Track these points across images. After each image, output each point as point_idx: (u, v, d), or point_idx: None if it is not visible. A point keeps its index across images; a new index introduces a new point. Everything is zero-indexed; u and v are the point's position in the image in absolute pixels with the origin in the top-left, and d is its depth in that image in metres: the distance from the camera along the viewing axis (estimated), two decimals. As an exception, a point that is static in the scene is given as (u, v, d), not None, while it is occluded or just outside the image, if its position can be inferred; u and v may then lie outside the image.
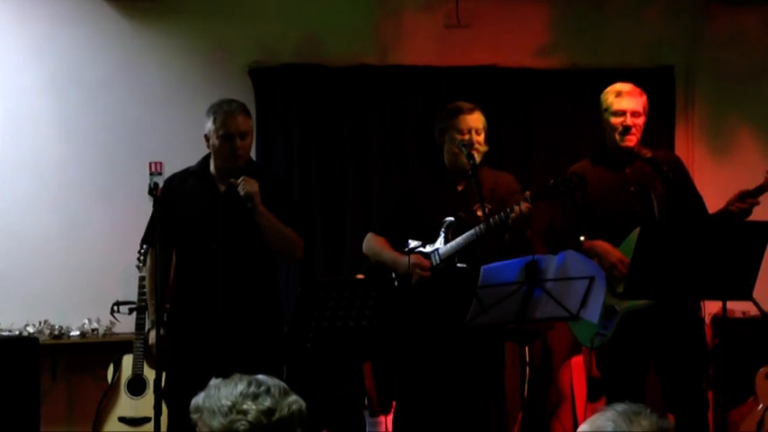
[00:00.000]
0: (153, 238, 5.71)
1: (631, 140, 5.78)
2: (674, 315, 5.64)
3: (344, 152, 7.68)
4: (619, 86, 5.89)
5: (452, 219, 5.69)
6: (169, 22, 7.54)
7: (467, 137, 5.68)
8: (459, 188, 5.81)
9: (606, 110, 5.84)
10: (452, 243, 5.63)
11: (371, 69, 7.75)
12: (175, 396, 5.46)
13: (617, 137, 5.79)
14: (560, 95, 7.98)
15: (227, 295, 5.47)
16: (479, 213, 5.53)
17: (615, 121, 5.79)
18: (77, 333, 7.19)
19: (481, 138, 5.73)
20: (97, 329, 7.20)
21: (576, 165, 6.05)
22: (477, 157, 5.67)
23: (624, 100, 5.80)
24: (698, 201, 5.88)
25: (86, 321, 7.21)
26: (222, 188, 5.60)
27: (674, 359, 5.70)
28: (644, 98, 5.87)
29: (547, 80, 7.95)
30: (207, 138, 5.63)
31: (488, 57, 7.93)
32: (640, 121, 5.81)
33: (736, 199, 5.62)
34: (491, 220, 5.42)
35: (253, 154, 7.34)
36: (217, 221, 5.52)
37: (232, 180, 5.49)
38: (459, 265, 5.60)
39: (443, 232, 5.68)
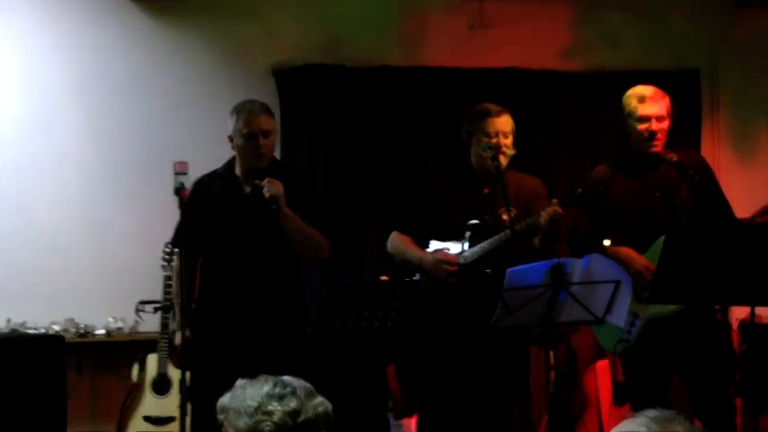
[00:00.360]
0: (180, 240, 5.72)
1: (657, 146, 5.74)
2: (698, 321, 5.61)
3: (367, 152, 7.69)
4: (641, 90, 5.82)
5: (477, 221, 5.68)
6: (194, 22, 7.56)
7: (494, 140, 5.67)
8: (486, 191, 5.80)
9: (630, 115, 5.78)
10: (478, 247, 5.62)
11: (394, 70, 7.76)
12: (201, 396, 5.47)
13: (643, 144, 5.75)
14: (583, 98, 7.97)
15: (252, 297, 5.47)
16: (504, 217, 5.52)
17: (640, 127, 5.74)
18: (103, 331, 7.21)
19: (509, 141, 5.71)
20: (122, 328, 7.23)
21: (596, 170, 6.00)
22: (504, 161, 5.66)
23: (648, 105, 5.74)
24: (723, 203, 5.84)
25: (111, 320, 7.23)
26: (248, 190, 5.61)
27: (698, 365, 5.67)
28: (667, 100, 5.80)
29: (570, 82, 7.94)
30: (231, 139, 5.66)
31: (512, 58, 7.92)
32: (665, 125, 5.76)
33: (760, 212, 5.59)
34: (517, 225, 5.41)
35: (276, 154, 7.39)
36: (243, 223, 5.53)
37: (257, 182, 5.50)
38: (485, 270, 5.59)
39: (468, 235, 5.67)
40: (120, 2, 7.42)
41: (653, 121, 5.71)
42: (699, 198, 5.63)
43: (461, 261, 5.66)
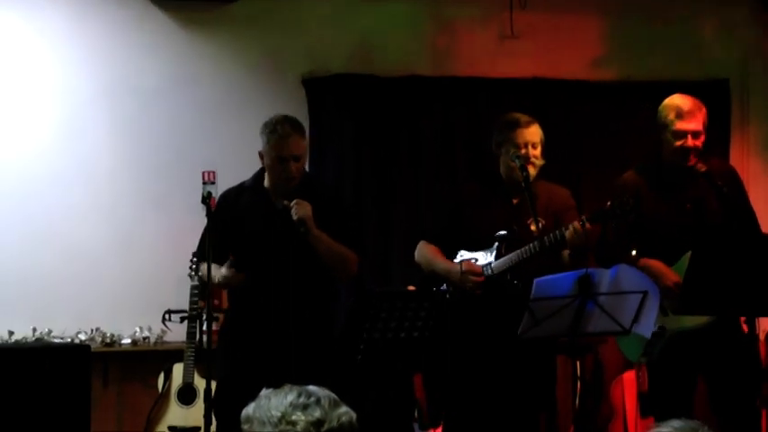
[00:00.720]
0: (204, 252, 5.68)
1: (692, 161, 5.69)
2: (725, 333, 5.56)
3: (396, 162, 7.69)
4: (679, 102, 5.73)
5: (506, 232, 5.65)
6: (222, 31, 7.57)
7: (523, 150, 5.64)
8: (515, 201, 5.78)
9: (665, 127, 5.71)
10: (505, 258, 5.60)
11: (423, 80, 7.76)
12: (225, 406, 5.46)
13: (677, 158, 5.69)
14: (611, 107, 7.94)
15: (282, 310, 5.45)
16: (533, 228, 5.49)
17: (677, 143, 5.66)
18: (129, 341, 7.22)
19: (537, 152, 5.69)
20: (148, 337, 7.23)
21: (624, 176, 5.94)
22: (533, 171, 5.63)
23: (685, 121, 5.64)
24: (750, 214, 5.79)
25: (138, 329, 7.24)
26: (278, 205, 5.58)
27: (725, 377, 5.63)
28: (704, 113, 5.72)
29: (598, 92, 7.92)
30: (261, 155, 5.63)
31: (540, 68, 7.92)
32: (701, 140, 5.68)
33: None
34: (545, 238, 5.39)
35: (305, 163, 7.40)
36: (273, 237, 5.52)
37: (285, 202, 5.46)
38: (513, 281, 5.57)
39: (497, 245, 5.66)
40: (150, 10, 7.44)
41: (689, 136, 5.65)
42: (727, 209, 5.58)
43: (488, 272, 5.64)
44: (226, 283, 5.55)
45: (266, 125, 5.61)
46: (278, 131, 5.54)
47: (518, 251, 5.55)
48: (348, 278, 6.03)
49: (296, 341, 5.44)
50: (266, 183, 5.66)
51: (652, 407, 6.00)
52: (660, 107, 5.78)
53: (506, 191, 5.80)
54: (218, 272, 5.48)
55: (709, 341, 5.57)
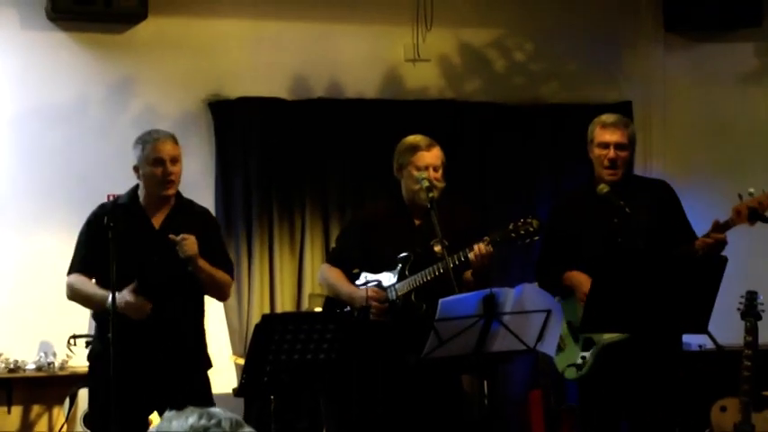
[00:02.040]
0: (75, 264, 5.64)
1: (616, 174, 5.75)
2: (653, 349, 5.62)
3: (304, 185, 7.71)
4: (605, 118, 5.83)
5: (407, 254, 5.67)
6: (128, 53, 7.55)
7: (425, 174, 5.67)
8: (417, 222, 5.80)
9: (592, 141, 5.82)
10: (409, 279, 5.61)
11: (330, 103, 7.82)
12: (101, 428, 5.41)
13: (601, 170, 5.78)
14: (517, 130, 8.03)
15: (156, 330, 5.42)
16: (436, 249, 5.52)
17: (600, 153, 5.78)
18: (33, 366, 7.14)
19: (439, 174, 5.71)
20: (53, 362, 7.15)
21: (569, 192, 6.05)
22: (436, 194, 5.65)
23: (608, 132, 5.75)
24: (685, 228, 5.82)
25: (42, 354, 7.16)
26: (154, 222, 5.53)
27: (646, 394, 5.69)
28: (630, 128, 5.82)
29: (505, 114, 8.01)
30: (136, 169, 5.54)
31: (447, 90, 7.99)
32: (625, 153, 5.78)
33: (712, 229, 5.59)
34: (449, 259, 5.41)
35: (211, 184, 7.39)
36: (147, 256, 5.46)
37: (171, 236, 5.41)
38: (419, 304, 5.58)
39: (399, 267, 5.67)
40: (54, 32, 7.40)
41: (611, 148, 5.73)
42: (626, 227, 5.61)
43: (392, 295, 5.65)
44: (124, 308, 5.31)
45: (140, 137, 5.56)
46: (153, 135, 5.51)
47: (422, 272, 5.56)
48: (223, 300, 6.07)
49: (171, 361, 5.41)
50: (141, 199, 5.58)
51: (582, 422, 6.04)
52: (590, 124, 5.89)
53: (409, 213, 5.82)
54: (119, 296, 5.31)
55: (637, 353, 5.61)
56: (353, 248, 5.87)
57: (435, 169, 5.69)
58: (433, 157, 5.72)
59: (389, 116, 7.74)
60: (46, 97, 7.40)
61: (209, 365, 5.69)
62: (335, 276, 5.85)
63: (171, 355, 5.45)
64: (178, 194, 5.61)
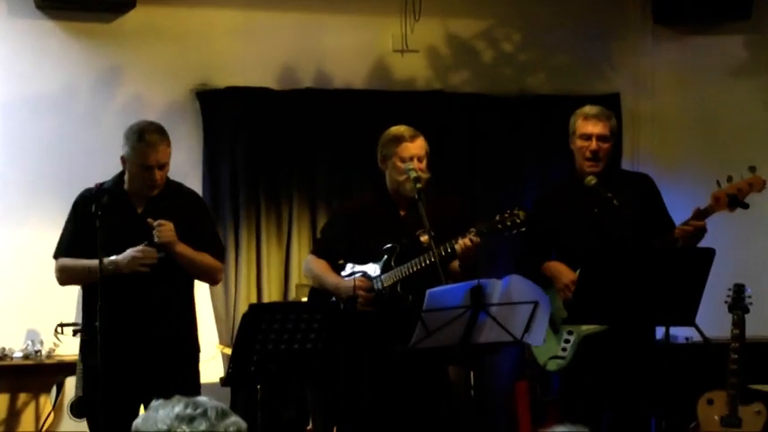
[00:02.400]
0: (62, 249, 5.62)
1: (597, 166, 5.77)
2: (627, 338, 5.64)
3: (291, 175, 7.70)
4: (587, 109, 5.87)
5: (394, 245, 5.67)
6: (116, 41, 7.52)
7: (410, 164, 5.67)
8: (402, 213, 5.80)
9: (574, 132, 5.85)
10: (396, 270, 5.61)
11: (318, 93, 7.79)
12: (95, 418, 5.41)
13: (583, 162, 5.80)
14: (506, 121, 8.03)
15: (144, 316, 5.42)
16: (422, 239, 5.52)
17: (581, 144, 5.80)
18: (20, 354, 7.13)
19: (424, 164, 5.70)
20: (40, 351, 7.14)
21: (543, 190, 6.06)
22: (422, 185, 5.66)
23: (590, 124, 5.79)
24: (666, 221, 5.84)
25: (30, 343, 7.15)
26: (139, 209, 5.53)
27: (624, 384, 5.71)
28: (612, 121, 5.86)
29: (493, 105, 8.00)
30: (123, 160, 5.53)
31: (436, 82, 7.99)
32: (607, 145, 5.80)
33: (692, 216, 5.60)
34: (439, 248, 5.41)
35: (198, 173, 7.37)
36: (130, 243, 5.42)
37: (149, 220, 5.40)
38: (405, 295, 5.58)
39: (385, 258, 5.67)
40: (41, 20, 7.37)
41: (593, 139, 5.76)
42: (622, 218, 5.62)
43: (378, 285, 5.65)
44: (130, 263, 5.33)
45: (132, 131, 5.49)
46: (145, 140, 5.42)
47: (408, 263, 5.56)
48: (212, 284, 6.07)
49: (159, 348, 5.41)
50: (126, 185, 5.56)
51: (563, 413, 6.06)
52: (571, 116, 5.89)
53: (394, 204, 5.82)
54: (122, 257, 5.36)
55: (616, 344, 5.63)
56: (339, 240, 5.86)
57: (420, 160, 5.69)
58: (417, 147, 5.72)
59: (377, 106, 7.68)
60: (33, 86, 7.37)
61: (198, 350, 5.68)
62: (321, 267, 5.84)
63: (160, 342, 5.45)
64: (167, 180, 5.59)
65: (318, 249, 6.01)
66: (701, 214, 5.56)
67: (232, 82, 7.61)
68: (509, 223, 5.41)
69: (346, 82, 7.88)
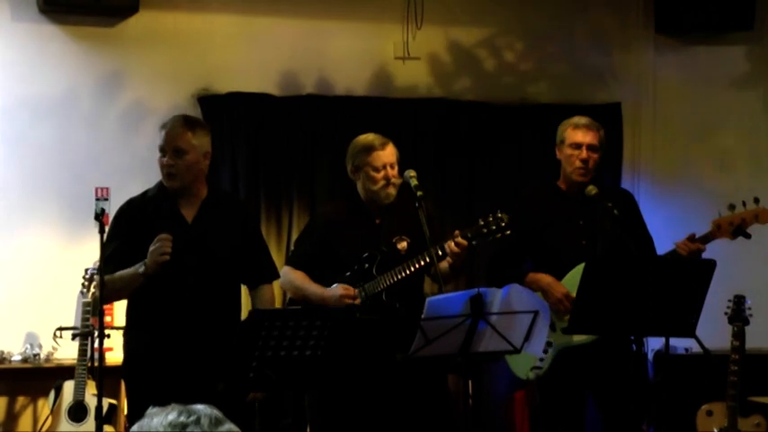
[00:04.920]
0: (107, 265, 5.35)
1: (586, 175, 5.79)
2: (613, 351, 5.65)
3: (292, 182, 7.69)
4: (576, 119, 5.89)
5: (373, 253, 5.67)
6: (118, 46, 7.52)
7: (382, 173, 5.67)
8: (377, 221, 5.80)
9: (563, 141, 5.86)
10: (381, 278, 5.61)
11: (319, 99, 7.79)
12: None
13: (572, 170, 5.81)
14: (506, 129, 8.02)
15: (190, 320, 5.36)
16: (399, 246, 5.54)
17: (571, 153, 5.81)
18: (19, 358, 7.12)
19: (395, 171, 5.71)
20: (39, 354, 7.14)
21: (526, 191, 6.10)
22: (393, 191, 5.65)
23: (580, 133, 5.81)
24: (646, 238, 5.90)
25: (28, 346, 7.15)
26: (184, 212, 5.38)
27: (613, 394, 5.71)
28: (601, 132, 5.88)
29: (494, 114, 7.99)
30: None
31: (437, 89, 7.99)
32: (596, 155, 5.82)
33: (684, 240, 5.64)
34: (420, 258, 5.43)
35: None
36: (183, 248, 5.28)
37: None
38: (392, 302, 5.58)
39: (366, 267, 5.66)
40: (44, 24, 7.37)
41: (583, 149, 5.77)
42: (619, 232, 5.63)
43: (362, 294, 5.64)
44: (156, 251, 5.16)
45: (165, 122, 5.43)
46: (166, 126, 5.35)
47: (395, 269, 5.56)
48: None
49: (202, 351, 5.34)
50: (170, 191, 5.41)
51: (543, 423, 6.07)
52: (560, 125, 5.91)
53: (368, 212, 5.80)
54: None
55: (597, 357, 5.65)
56: (315, 249, 5.82)
57: (392, 167, 5.71)
58: (388, 155, 5.73)
59: (378, 113, 7.70)
60: (35, 89, 7.37)
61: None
62: (301, 278, 5.80)
63: (207, 352, 5.28)
64: (211, 185, 5.48)
65: (295, 260, 5.95)
66: (702, 240, 5.60)
67: (234, 88, 7.61)
68: (494, 227, 5.42)
69: (348, 88, 7.88)
